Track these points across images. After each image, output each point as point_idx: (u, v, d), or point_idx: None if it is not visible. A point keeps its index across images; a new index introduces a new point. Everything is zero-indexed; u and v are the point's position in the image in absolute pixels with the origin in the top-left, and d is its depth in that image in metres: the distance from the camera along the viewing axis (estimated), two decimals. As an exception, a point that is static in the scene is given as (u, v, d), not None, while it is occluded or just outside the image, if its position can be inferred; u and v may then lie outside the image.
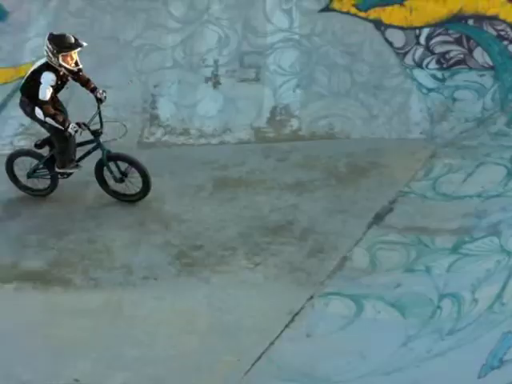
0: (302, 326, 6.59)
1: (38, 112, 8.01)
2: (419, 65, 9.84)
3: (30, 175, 8.67)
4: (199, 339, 6.57)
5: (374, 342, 6.20)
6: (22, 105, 8.25)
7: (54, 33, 7.99)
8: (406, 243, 7.34)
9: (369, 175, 8.57)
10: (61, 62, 7.81)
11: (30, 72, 8.11)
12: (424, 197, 8.06)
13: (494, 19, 9.65)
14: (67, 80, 8.13)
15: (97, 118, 8.18)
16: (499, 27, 9.60)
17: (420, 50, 9.86)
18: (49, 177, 8.63)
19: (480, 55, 9.58)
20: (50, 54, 7.83)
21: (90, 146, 8.38)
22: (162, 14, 10.46)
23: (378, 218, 7.80)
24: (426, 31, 9.82)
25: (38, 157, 8.58)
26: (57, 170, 8.46)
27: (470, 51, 9.65)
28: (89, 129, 8.09)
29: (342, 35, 10.12)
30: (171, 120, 10.12)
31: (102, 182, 8.52)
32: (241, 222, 8.11)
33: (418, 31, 9.84)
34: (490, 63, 9.51)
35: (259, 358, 6.31)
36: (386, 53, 9.96)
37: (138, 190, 8.41)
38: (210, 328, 6.69)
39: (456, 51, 9.68)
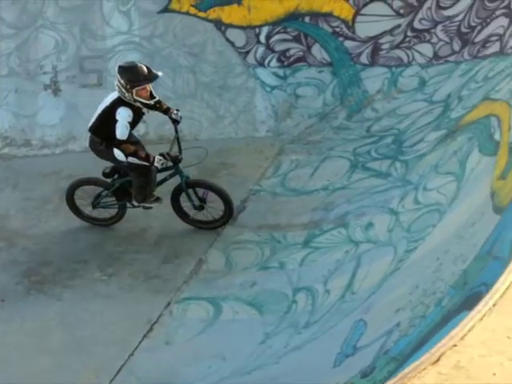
0: (161, 334, 6.48)
1: (118, 153, 7.12)
2: (261, 63, 9.97)
3: (95, 205, 7.80)
4: (53, 358, 6.31)
5: (233, 342, 6.20)
6: (94, 146, 7.29)
7: (124, 64, 7.06)
8: (260, 241, 7.41)
9: (219, 176, 8.58)
10: (135, 97, 6.91)
11: (100, 110, 7.13)
12: (274, 194, 8.17)
13: (328, 16, 9.93)
14: (143, 113, 7.26)
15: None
16: (334, 24, 9.89)
17: (261, 49, 9.99)
18: (116, 206, 7.79)
19: (318, 52, 9.82)
20: (123, 90, 6.89)
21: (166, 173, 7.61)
22: (-8, 20, 9.99)
23: (231, 218, 7.81)
24: (265, 30, 9.96)
25: (103, 185, 7.70)
26: (135, 203, 7.65)
27: (309, 48, 9.89)
28: (170, 156, 7.29)
29: (184, 36, 10.07)
30: (10, 131, 9.69)
31: (182, 212, 7.76)
32: (92, 233, 7.88)
33: (257, 30, 9.96)
34: (328, 59, 9.78)
35: (119, 371, 6.14)
36: (228, 52, 10.02)
37: (221, 214, 7.69)
38: (64, 346, 6.45)
39: (295, 49, 9.89)
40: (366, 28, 9.80)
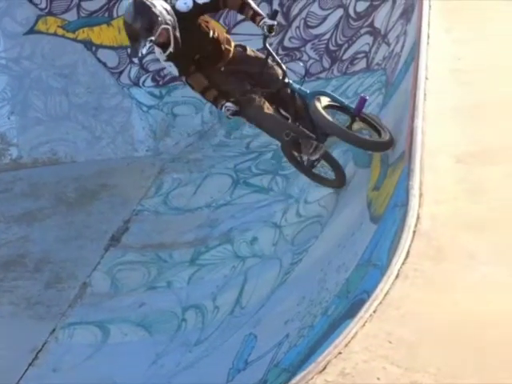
0: (47, 361, 6.32)
1: None
2: (136, 83, 9.95)
3: None
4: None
5: (124, 365, 6.13)
6: None
7: None
8: (146, 261, 7.37)
9: (100, 197, 8.49)
10: None
11: None
12: (157, 213, 8.16)
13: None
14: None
15: None
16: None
17: (135, 69, 9.96)
18: None
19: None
20: None
21: None
22: None
23: (115, 240, 7.74)
24: (134, 50, 9.94)
25: None
26: None
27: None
28: None
29: (53, 57, 9.92)
30: None
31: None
32: (-35, 261, 7.58)
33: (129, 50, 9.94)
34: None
35: (4, 403, 5.92)
36: (101, 73, 9.93)
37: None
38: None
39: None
40: (237, 47, 9.97)
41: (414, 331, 3.91)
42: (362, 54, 9.54)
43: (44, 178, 9.04)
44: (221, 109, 6.02)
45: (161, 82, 9.97)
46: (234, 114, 5.98)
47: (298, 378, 3.95)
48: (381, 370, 3.72)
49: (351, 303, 4.86)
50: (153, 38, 5.52)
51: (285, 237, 6.89)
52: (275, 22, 5.68)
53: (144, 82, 9.98)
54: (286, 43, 10.17)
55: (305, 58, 10.02)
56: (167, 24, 5.57)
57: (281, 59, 10.43)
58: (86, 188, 8.76)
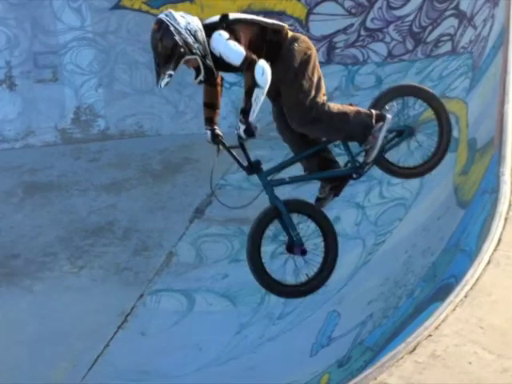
0: (136, 325, 6.59)
1: None
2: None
3: None
4: (29, 349, 6.37)
5: (208, 333, 6.35)
6: None
7: None
8: (229, 234, 7.56)
9: (184, 170, 8.71)
10: None
11: None
12: (241, 188, 8.32)
13: (281, 15, 10.10)
14: None
15: None
16: (287, 23, 10.07)
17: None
18: None
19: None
20: None
21: None
22: None
23: (199, 212, 7.95)
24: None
25: None
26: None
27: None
28: None
29: (138, 32, 10.11)
30: (-33, 126, 9.62)
31: None
32: (59, 227, 7.92)
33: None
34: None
35: (95, 361, 6.23)
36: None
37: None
38: (39, 337, 6.49)
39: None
40: (319, 27, 10.01)
41: (506, 318, 3.97)
42: (447, 37, 9.47)
43: (130, 149, 9.30)
44: None
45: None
46: None
47: (387, 357, 4.05)
48: (472, 355, 3.78)
49: (438, 287, 4.92)
50: (172, 73, 4.70)
51: (368, 217, 6.98)
52: (243, 137, 4.91)
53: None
54: (368, 24, 10.16)
55: (387, 39, 10.00)
56: (192, 54, 4.69)
57: (363, 40, 10.60)
58: (170, 161, 8.99)
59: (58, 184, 8.66)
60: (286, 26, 4.88)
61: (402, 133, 5.33)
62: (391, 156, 5.31)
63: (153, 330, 6.52)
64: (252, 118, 4.82)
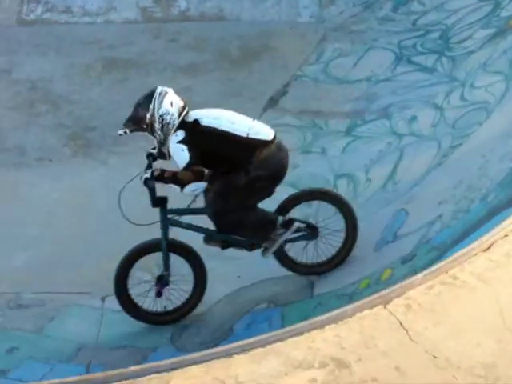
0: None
1: None
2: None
3: None
4: (99, 219, 6.57)
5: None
6: None
7: None
8: (302, 126, 7.52)
9: (261, 58, 8.59)
10: None
11: None
12: (317, 80, 8.21)
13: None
14: None
15: None
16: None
17: None
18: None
19: None
20: None
21: None
22: None
23: (273, 101, 7.90)
24: None
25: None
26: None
27: None
28: None
29: None
30: (50, -4, 9.63)
31: None
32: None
33: None
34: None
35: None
36: None
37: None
38: (109, 208, 6.65)
39: None
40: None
41: None
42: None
43: (209, 32, 9.18)
44: None
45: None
46: None
47: (460, 252, 4.06)
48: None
49: (516, 192, 4.86)
50: (128, 133, 5.51)
51: (446, 119, 6.82)
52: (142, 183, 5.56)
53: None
54: None
55: None
56: (152, 135, 5.45)
57: None
58: (248, 47, 8.87)
59: (137, 61, 8.67)
60: None
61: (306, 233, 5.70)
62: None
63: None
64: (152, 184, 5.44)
